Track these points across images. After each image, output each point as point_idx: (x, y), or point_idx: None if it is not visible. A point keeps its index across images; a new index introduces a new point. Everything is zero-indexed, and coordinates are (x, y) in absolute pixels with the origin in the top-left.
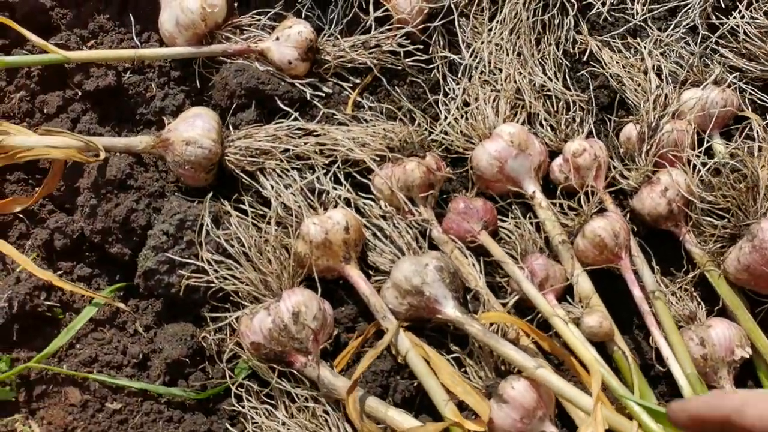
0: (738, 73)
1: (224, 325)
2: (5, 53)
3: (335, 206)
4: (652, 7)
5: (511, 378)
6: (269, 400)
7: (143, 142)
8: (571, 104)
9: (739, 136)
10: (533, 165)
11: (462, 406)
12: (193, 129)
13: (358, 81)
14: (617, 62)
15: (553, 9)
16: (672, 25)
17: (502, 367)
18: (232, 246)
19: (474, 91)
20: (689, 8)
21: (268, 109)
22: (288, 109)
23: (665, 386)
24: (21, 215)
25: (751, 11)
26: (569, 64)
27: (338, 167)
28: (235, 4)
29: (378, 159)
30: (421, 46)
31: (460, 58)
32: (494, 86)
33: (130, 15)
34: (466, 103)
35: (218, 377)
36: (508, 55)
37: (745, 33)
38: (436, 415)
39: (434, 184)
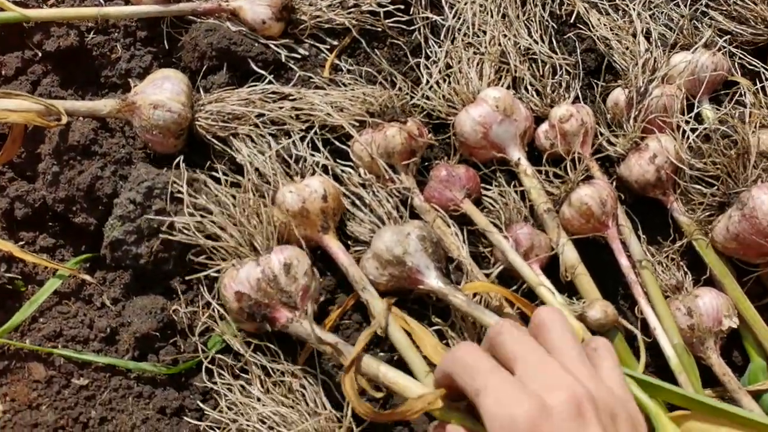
0: (728, 37)
1: (196, 297)
2: None
3: (312, 174)
4: None
5: None
6: (244, 374)
7: (108, 105)
8: (558, 68)
9: (729, 101)
10: (519, 131)
11: None
12: (162, 92)
13: (335, 43)
14: (605, 24)
15: None
16: None
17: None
18: (217, 205)
19: (457, 54)
20: None
21: (240, 71)
22: (262, 72)
23: (649, 356)
24: None
25: None
26: (555, 27)
27: (315, 133)
28: None
29: (357, 124)
30: (402, 6)
31: (443, 19)
32: (478, 49)
33: None
34: (449, 67)
35: (190, 351)
36: (492, 16)
37: None
38: None
39: (416, 150)
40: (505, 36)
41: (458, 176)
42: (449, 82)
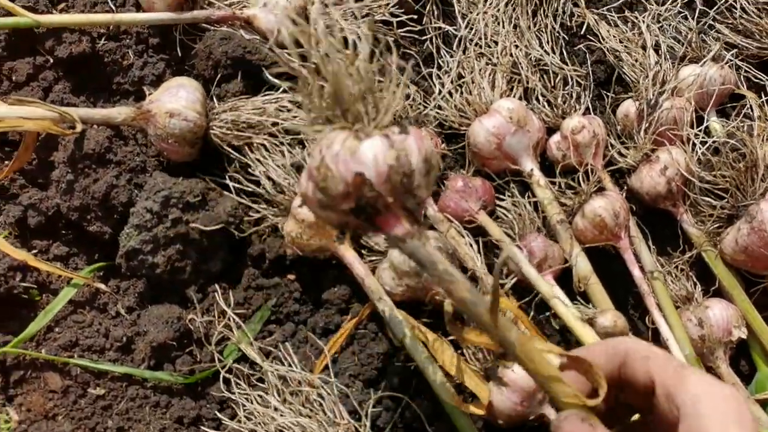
0: (734, 50)
1: (212, 306)
2: None
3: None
4: None
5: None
6: (260, 384)
7: (122, 113)
8: (569, 79)
9: (736, 115)
10: (531, 142)
11: (459, 389)
12: (177, 100)
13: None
14: (614, 36)
15: None
16: None
17: (501, 350)
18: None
19: (469, 65)
20: None
21: (254, 80)
22: (276, 81)
23: None
24: None
25: None
26: (566, 38)
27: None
28: None
29: None
30: (415, 16)
31: (455, 30)
32: (490, 59)
33: None
34: (461, 77)
35: (207, 361)
36: (504, 27)
37: (742, 9)
38: (433, 398)
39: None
40: (517, 47)
41: (475, 188)
42: (461, 93)
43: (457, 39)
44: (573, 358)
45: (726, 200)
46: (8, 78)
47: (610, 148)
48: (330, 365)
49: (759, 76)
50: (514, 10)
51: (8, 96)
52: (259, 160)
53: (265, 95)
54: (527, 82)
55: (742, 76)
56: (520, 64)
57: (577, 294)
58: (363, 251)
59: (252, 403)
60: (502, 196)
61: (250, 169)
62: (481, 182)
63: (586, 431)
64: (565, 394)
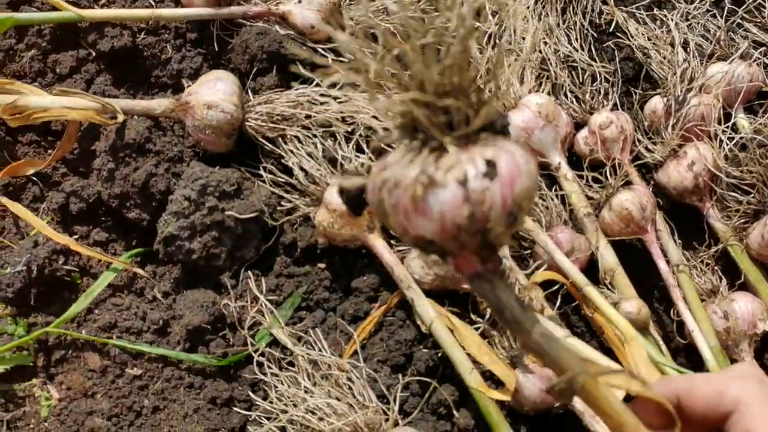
0: (762, 49)
1: (245, 292)
2: (14, 9)
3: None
4: None
5: None
6: (290, 368)
7: (162, 105)
8: (597, 76)
9: (764, 112)
10: (559, 136)
11: (485, 376)
12: (215, 93)
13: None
14: (643, 34)
15: None
16: None
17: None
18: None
19: (498, 61)
20: None
21: (289, 74)
22: (310, 75)
23: (684, 359)
24: (34, 178)
25: None
26: (595, 35)
27: (360, 135)
28: None
29: None
30: None
31: (485, 26)
32: (519, 55)
33: None
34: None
35: (239, 344)
36: (533, 24)
37: None
38: (460, 385)
39: None
40: (546, 43)
41: None
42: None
43: (486, 35)
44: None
45: (752, 195)
46: (52, 70)
47: (637, 143)
48: (359, 351)
49: None
50: (543, 7)
51: (53, 87)
52: (292, 152)
53: (299, 89)
54: (556, 78)
55: None
56: (549, 60)
57: (603, 285)
58: (392, 241)
59: (283, 385)
60: None
61: (283, 160)
62: None
63: None
64: None
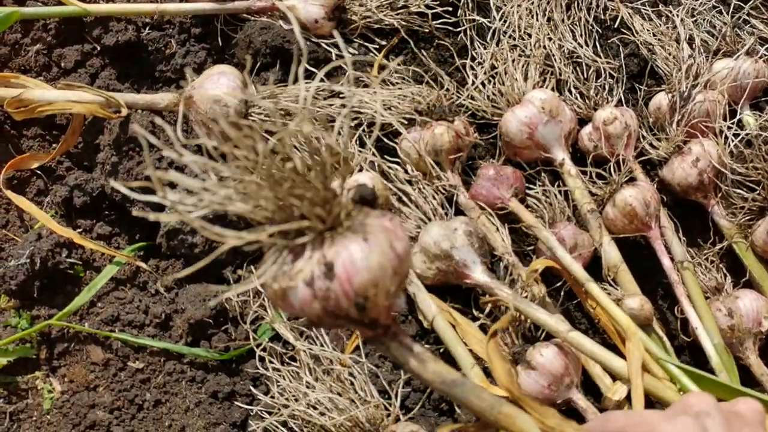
0: None
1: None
2: (19, 4)
3: (360, 170)
4: None
5: (539, 345)
6: (292, 362)
7: (165, 99)
8: (601, 72)
9: None
10: (563, 132)
11: (487, 372)
12: (218, 87)
13: (384, 43)
14: (648, 30)
15: None
16: None
17: (529, 334)
18: None
19: (503, 56)
20: None
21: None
22: (313, 70)
23: (688, 356)
24: (39, 171)
25: None
26: (599, 31)
27: (364, 130)
28: None
29: (405, 122)
30: (450, 8)
31: (489, 22)
32: (523, 51)
33: None
34: (494, 68)
35: (241, 339)
36: (537, 19)
37: None
38: None
39: (462, 149)
40: (550, 39)
41: (506, 175)
42: (494, 84)
43: (491, 31)
44: None
45: (758, 192)
46: (57, 64)
47: (641, 139)
48: (361, 346)
49: None
50: (548, 2)
51: (57, 81)
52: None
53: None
54: (560, 74)
55: None
56: (553, 56)
57: (606, 282)
58: None
59: (285, 379)
60: (532, 186)
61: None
62: (512, 170)
63: None
64: None
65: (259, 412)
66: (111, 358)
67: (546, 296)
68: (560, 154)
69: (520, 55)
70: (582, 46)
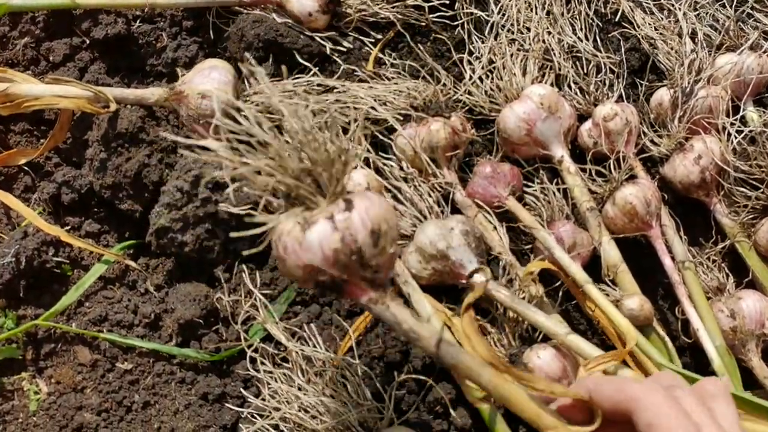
0: None
1: (239, 286)
2: None
3: (355, 166)
4: None
5: (536, 347)
6: (285, 363)
7: (155, 94)
8: (602, 67)
9: None
10: (562, 129)
11: None
12: (209, 82)
13: (379, 37)
14: (650, 24)
15: None
16: None
17: (526, 335)
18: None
19: (501, 50)
20: None
21: (285, 63)
22: (307, 64)
23: (689, 358)
24: (26, 167)
25: None
26: (600, 25)
27: (358, 125)
28: None
29: (401, 118)
30: (447, 1)
31: (487, 15)
32: (522, 45)
33: None
34: (492, 63)
35: (232, 339)
36: (536, 13)
37: None
38: (457, 383)
39: (459, 145)
40: (550, 33)
41: (503, 173)
42: (492, 78)
43: (489, 24)
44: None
45: (761, 191)
46: (45, 58)
47: (642, 136)
48: (354, 347)
49: None
50: None
51: (45, 75)
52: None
53: (296, 78)
54: (559, 69)
55: None
56: (553, 50)
57: (605, 282)
58: None
59: (276, 381)
60: (530, 183)
61: None
62: (509, 168)
63: None
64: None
65: (249, 415)
66: (99, 359)
67: (544, 296)
68: (559, 151)
69: (518, 50)
70: (582, 41)
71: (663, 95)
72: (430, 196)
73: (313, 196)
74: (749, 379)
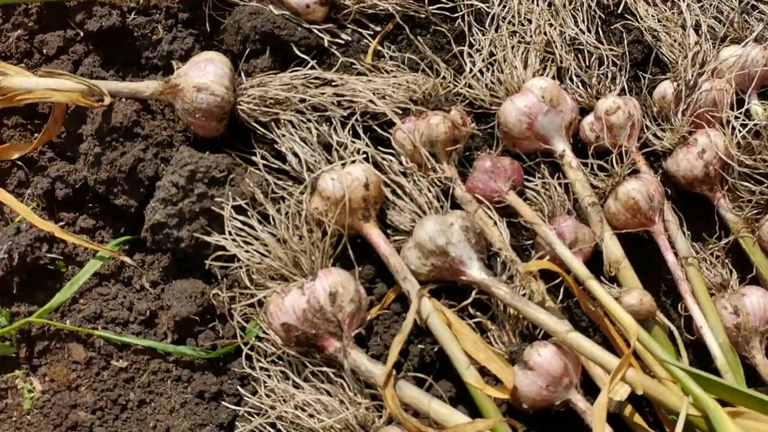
0: None
1: (235, 282)
2: None
3: (354, 161)
4: None
5: (537, 344)
6: (281, 362)
7: (151, 87)
8: (604, 59)
9: None
10: (564, 122)
11: (483, 372)
12: (205, 75)
13: (378, 29)
14: (653, 16)
15: None
16: None
17: (526, 332)
18: (260, 222)
19: (501, 43)
20: None
21: (283, 56)
22: (305, 57)
23: (692, 355)
24: (19, 162)
25: None
26: (602, 17)
27: (357, 120)
28: None
29: (400, 112)
30: None
31: (488, 7)
32: (523, 38)
33: None
34: (492, 55)
35: (229, 337)
36: (538, 5)
37: None
38: (457, 381)
39: (459, 140)
40: (551, 25)
41: (503, 168)
42: (492, 71)
43: (489, 16)
44: None
45: (766, 185)
46: (39, 51)
47: (645, 130)
48: None
49: None
50: None
51: (38, 68)
52: (285, 136)
53: (293, 71)
54: (561, 62)
55: None
56: (554, 42)
57: (607, 278)
58: (389, 231)
59: (273, 379)
60: (531, 178)
61: (276, 146)
62: (510, 162)
63: None
64: None
65: (246, 413)
66: (93, 357)
67: (545, 293)
68: (561, 145)
69: (519, 42)
70: (584, 33)
71: (666, 88)
72: (430, 191)
73: (294, 274)
74: (753, 376)
